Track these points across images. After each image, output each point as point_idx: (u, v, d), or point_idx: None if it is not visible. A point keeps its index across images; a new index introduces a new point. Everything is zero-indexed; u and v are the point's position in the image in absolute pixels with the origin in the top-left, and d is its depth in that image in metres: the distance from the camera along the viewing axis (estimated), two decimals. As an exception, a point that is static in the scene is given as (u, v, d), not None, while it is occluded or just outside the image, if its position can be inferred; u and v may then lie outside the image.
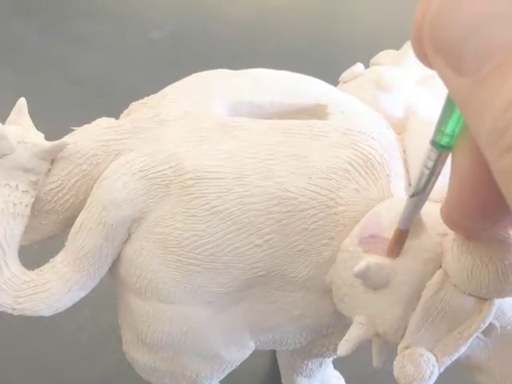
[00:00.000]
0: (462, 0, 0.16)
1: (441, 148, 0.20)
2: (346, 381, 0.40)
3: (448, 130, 0.20)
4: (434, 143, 0.20)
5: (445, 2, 0.16)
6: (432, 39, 0.17)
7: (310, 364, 0.35)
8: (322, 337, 0.31)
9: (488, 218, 0.21)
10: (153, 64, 0.70)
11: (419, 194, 0.23)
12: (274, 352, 0.40)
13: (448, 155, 0.21)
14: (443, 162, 0.21)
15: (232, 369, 0.31)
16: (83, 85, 0.68)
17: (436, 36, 0.17)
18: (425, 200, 0.23)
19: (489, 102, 0.16)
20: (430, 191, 0.22)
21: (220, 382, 0.38)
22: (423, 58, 0.18)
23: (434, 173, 0.21)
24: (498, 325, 0.25)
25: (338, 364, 0.40)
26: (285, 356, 0.36)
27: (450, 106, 0.19)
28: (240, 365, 0.32)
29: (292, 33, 0.77)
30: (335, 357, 0.35)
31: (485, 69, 0.16)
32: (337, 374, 0.40)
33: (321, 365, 0.36)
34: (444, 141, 0.20)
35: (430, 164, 0.21)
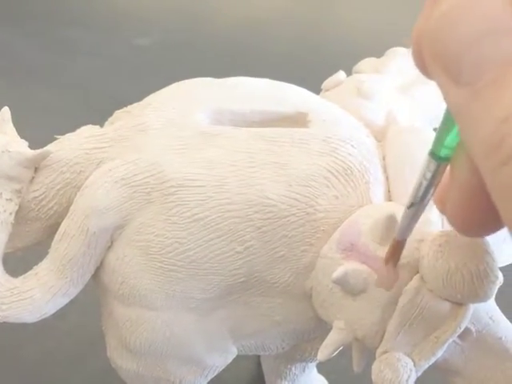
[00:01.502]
0: (461, 14, 0.16)
1: (439, 160, 0.20)
2: (330, 385, 0.41)
3: (447, 142, 0.20)
4: (432, 155, 0.20)
5: (444, 14, 0.17)
6: (431, 50, 0.17)
7: (293, 369, 0.36)
8: (304, 342, 0.31)
9: (487, 228, 0.21)
10: (139, 71, 0.70)
11: (417, 205, 0.22)
12: (259, 356, 0.40)
13: (446, 167, 0.20)
14: (441, 174, 0.21)
15: (215, 374, 0.32)
16: (68, 92, 0.68)
17: (435, 47, 0.17)
18: (422, 211, 0.23)
19: (484, 115, 0.16)
20: (427, 202, 0.22)
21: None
22: (422, 67, 0.18)
23: (431, 184, 0.21)
24: (473, 329, 0.25)
25: (323, 368, 0.40)
26: (268, 361, 0.37)
27: (449, 118, 0.19)
28: (225, 369, 0.32)
29: (279, 40, 0.78)
30: (318, 361, 0.35)
31: (481, 81, 0.16)
32: (321, 378, 0.40)
33: (304, 369, 0.36)
34: (443, 153, 0.20)
35: (429, 175, 0.21)
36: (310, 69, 0.58)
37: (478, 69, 0.16)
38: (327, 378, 0.41)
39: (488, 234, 0.23)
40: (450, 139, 0.20)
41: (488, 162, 0.16)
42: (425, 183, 0.21)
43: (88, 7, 0.83)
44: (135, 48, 0.76)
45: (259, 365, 0.39)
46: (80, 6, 0.84)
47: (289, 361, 0.35)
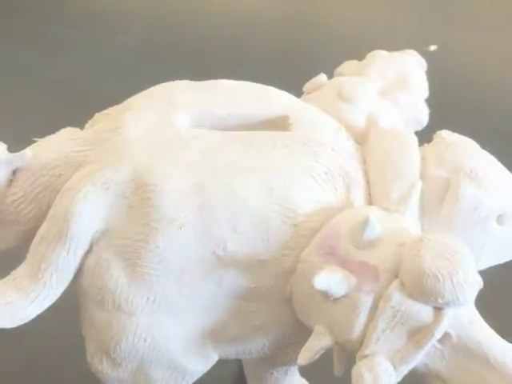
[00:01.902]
0: None
1: None
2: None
3: None
4: None
5: None
6: None
7: (275, 372, 0.36)
8: (285, 346, 0.31)
9: None
10: (122, 68, 0.69)
11: None
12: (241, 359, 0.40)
13: None
14: None
15: (195, 379, 0.31)
16: (52, 91, 0.67)
17: None
18: None
19: None
20: None
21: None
22: None
23: None
24: (453, 334, 0.25)
25: (305, 372, 0.40)
26: (250, 364, 0.36)
27: None
28: (208, 371, 0.32)
29: (265, 37, 0.77)
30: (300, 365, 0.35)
31: None
32: (303, 381, 0.40)
33: (286, 373, 0.36)
34: None
35: None
36: (297, 67, 0.58)
37: None
38: (310, 381, 0.40)
39: None
40: None
41: None
42: None
43: (71, 5, 0.82)
44: (118, 45, 0.76)
45: (241, 367, 0.39)
46: (63, 3, 0.83)
47: (270, 364, 0.35)
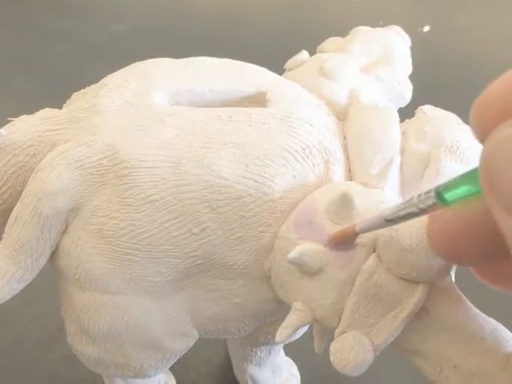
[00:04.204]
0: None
1: (442, 201, 0.19)
2: (299, 368, 0.40)
3: (459, 192, 0.19)
4: (438, 195, 0.19)
5: (500, 144, 0.16)
6: (486, 180, 0.17)
7: (258, 352, 0.35)
8: (266, 324, 0.31)
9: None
10: (115, 57, 0.69)
11: (393, 222, 0.22)
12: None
13: (441, 207, 0.20)
14: (433, 211, 0.20)
15: (177, 358, 0.31)
16: (43, 79, 0.67)
17: (490, 178, 0.17)
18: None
19: None
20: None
21: (173, 370, 0.38)
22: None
23: (418, 214, 0.21)
24: (430, 308, 0.25)
25: (290, 351, 0.40)
26: (234, 345, 0.36)
27: (474, 176, 0.18)
28: (193, 353, 0.32)
29: (262, 28, 0.77)
30: (284, 344, 0.35)
31: None
32: (288, 360, 0.40)
33: (270, 352, 0.36)
34: (450, 198, 0.19)
35: (421, 206, 0.20)
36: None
37: None
38: (295, 360, 0.40)
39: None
40: (463, 192, 0.19)
41: None
42: (413, 210, 0.21)
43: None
44: (111, 34, 0.75)
45: (227, 349, 0.39)
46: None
47: (254, 344, 0.35)
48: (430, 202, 0.20)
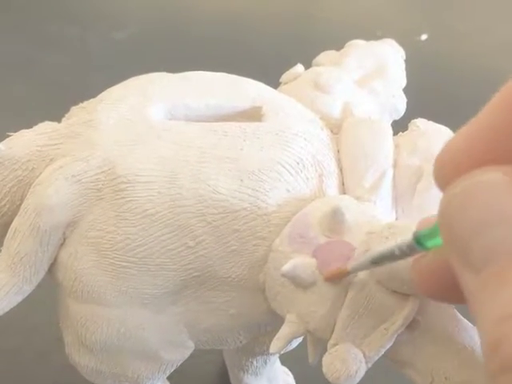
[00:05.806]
0: (468, 200, 0.16)
1: (421, 247, 0.20)
2: (295, 377, 0.41)
3: (437, 240, 0.19)
4: (418, 241, 0.19)
5: (456, 196, 0.16)
6: (445, 231, 0.17)
7: (254, 362, 0.36)
8: (261, 335, 0.32)
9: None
10: (115, 65, 0.69)
11: (378, 264, 0.23)
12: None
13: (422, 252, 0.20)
14: (414, 255, 0.21)
15: (173, 368, 0.32)
16: (45, 87, 0.68)
17: (447, 230, 0.17)
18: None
19: (486, 309, 0.15)
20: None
21: (170, 379, 0.39)
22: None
23: (400, 258, 0.21)
24: (421, 320, 0.25)
25: (286, 360, 0.40)
26: (230, 354, 0.37)
27: None
28: (189, 362, 0.32)
29: (261, 34, 0.77)
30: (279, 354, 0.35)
31: (486, 271, 0.15)
32: (284, 369, 0.40)
33: (266, 362, 0.36)
34: (430, 244, 0.19)
35: (403, 250, 0.21)
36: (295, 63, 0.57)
37: (486, 256, 0.15)
38: (291, 370, 0.41)
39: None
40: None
41: (487, 362, 0.15)
42: (395, 252, 0.21)
43: (66, 2, 0.82)
44: (113, 42, 0.76)
45: (223, 357, 0.39)
46: (59, 0, 0.83)
47: (249, 354, 0.35)
48: (411, 246, 0.20)
